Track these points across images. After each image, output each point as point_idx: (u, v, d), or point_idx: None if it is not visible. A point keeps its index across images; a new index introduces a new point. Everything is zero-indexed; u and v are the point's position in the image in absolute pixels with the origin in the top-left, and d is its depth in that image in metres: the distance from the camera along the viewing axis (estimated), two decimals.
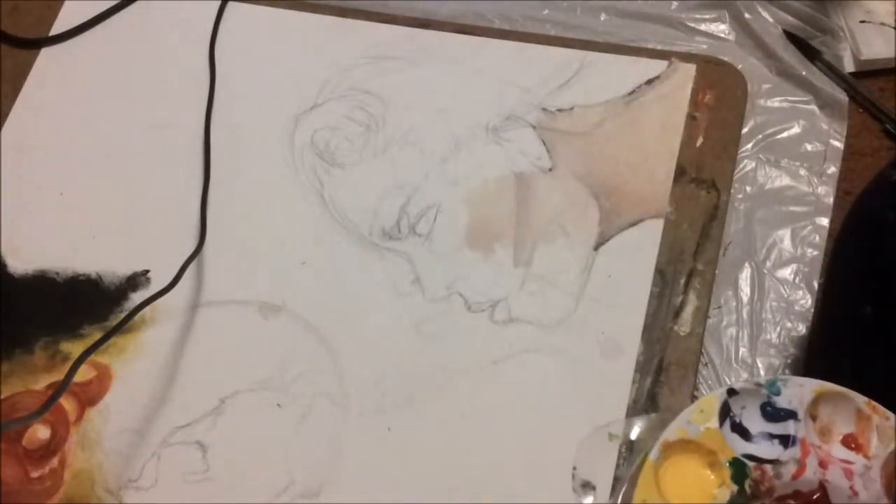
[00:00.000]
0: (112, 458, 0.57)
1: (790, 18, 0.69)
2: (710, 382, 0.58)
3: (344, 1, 0.73)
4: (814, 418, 0.51)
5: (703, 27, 0.70)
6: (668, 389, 0.56)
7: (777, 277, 0.61)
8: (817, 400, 0.50)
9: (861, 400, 0.50)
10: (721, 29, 0.70)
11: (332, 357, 0.59)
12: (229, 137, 0.68)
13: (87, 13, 0.73)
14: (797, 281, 0.60)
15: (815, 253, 0.61)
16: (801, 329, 0.58)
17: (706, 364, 0.58)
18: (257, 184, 0.66)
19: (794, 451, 0.50)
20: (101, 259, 0.64)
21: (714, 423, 0.50)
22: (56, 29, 0.73)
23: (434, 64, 0.69)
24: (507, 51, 0.69)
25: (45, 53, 0.72)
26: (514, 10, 0.72)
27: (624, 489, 0.52)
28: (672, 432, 0.50)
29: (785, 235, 0.62)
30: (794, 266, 0.61)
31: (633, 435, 0.53)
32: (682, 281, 0.60)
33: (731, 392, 0.51)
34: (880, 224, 0.50)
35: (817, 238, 0.61)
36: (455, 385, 0.58)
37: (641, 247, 0.61)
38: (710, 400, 0.51)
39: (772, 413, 0.51)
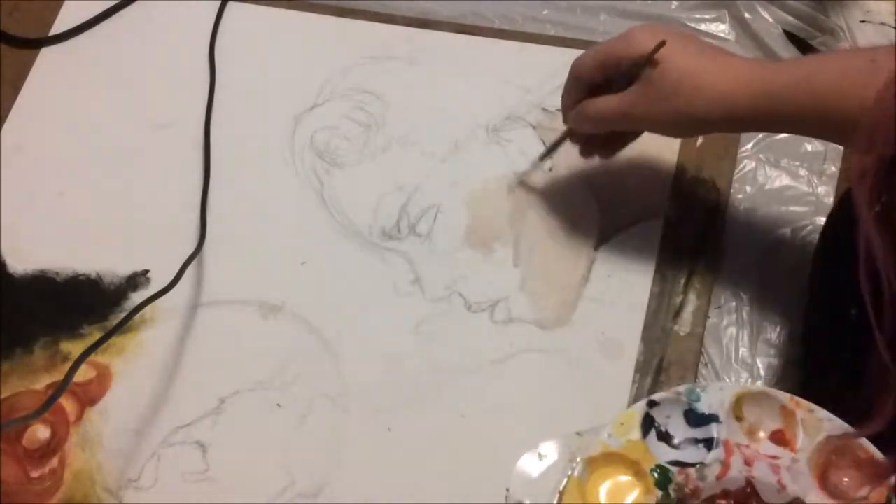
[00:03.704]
0: (112, 458, 0.57)
1: (790, 18, 0.69)
2: (709, 382, 0.58)
3: (344, 1, 0.73)
4: (740, 419, 0.52)
5: (703, 27, 0.70)
6: (669, 389, 0.56)
7: (777, 277, 0.60)
8: (740, 402, 0.52)
9: (783, 396, 0.51)
10: (721, 29, 0.70)
11: (332, 357, 0.59)
12: (229, 137, 0.68)
13: (87, 13, 0.73)
14: (797, 281, 0.60)
15: None
16: (801, 329, 0.58)
17: (706, 364, 0.58)
18: (257, 184, 0.66)
19: (718, 453, 0.51)
20: (101, 259, 0.64)
21: (636, 434, 0.52)
22: (56, 29, 0.73)
23: (434, 64, 0.69)
24: (507, 51, 0.69)
25: (45, 53, 0.72)
26: (514, 10, 0.72)
27: None
28: (594, 447, 0.51)
29: (785, 235, 0.62)
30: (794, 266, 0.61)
31: (565, 454, 0.53)
32: (682, 281, 0.60)
33: (652, 403, 0.52)
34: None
35: (817, 238, 0.61)
36: (455, 385, 0.58)
37: (641, 247, 0.61)
38: (631, 413, 0.52)
39: (694, 419, 0.52)
